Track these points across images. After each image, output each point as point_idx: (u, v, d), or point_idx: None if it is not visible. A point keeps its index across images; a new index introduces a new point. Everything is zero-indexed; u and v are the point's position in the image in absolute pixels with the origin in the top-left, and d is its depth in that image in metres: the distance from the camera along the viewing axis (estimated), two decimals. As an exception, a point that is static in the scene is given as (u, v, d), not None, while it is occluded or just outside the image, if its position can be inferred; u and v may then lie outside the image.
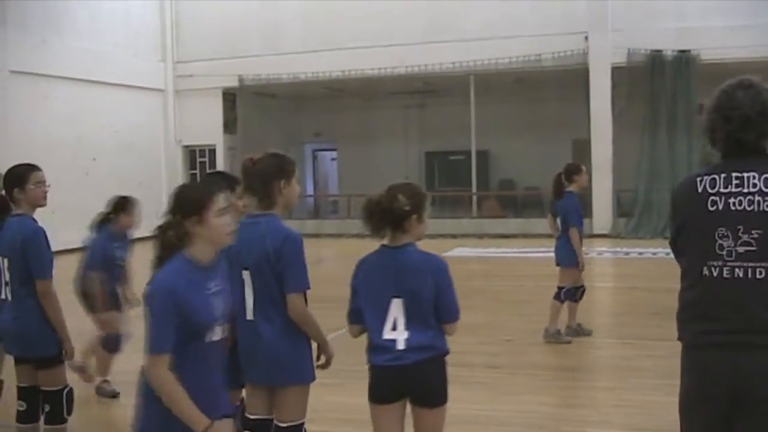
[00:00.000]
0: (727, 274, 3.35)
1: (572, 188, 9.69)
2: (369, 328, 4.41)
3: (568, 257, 9.66)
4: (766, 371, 3.31)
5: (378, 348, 4.35)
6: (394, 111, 27.95)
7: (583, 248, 9.84)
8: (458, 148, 26.16)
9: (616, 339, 10.22)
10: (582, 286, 9.83)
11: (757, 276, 3.31)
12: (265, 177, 4.62)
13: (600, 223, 22.14)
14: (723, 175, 3.39)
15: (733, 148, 3.44)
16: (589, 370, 8.97)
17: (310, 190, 31.24)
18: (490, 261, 18.83)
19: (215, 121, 26.75)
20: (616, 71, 22.70)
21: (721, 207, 3.37)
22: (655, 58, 22.69)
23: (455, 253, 19.80)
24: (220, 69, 25.47)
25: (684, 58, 22.55)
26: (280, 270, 4.50)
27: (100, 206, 8.08)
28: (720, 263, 3.37)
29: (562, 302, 9.72)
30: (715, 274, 3.38)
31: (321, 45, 24.45)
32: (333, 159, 31.81)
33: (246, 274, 4.57)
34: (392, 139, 28.12)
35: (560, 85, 23.43)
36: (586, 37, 22.69)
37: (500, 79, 24.09)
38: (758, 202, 3.31)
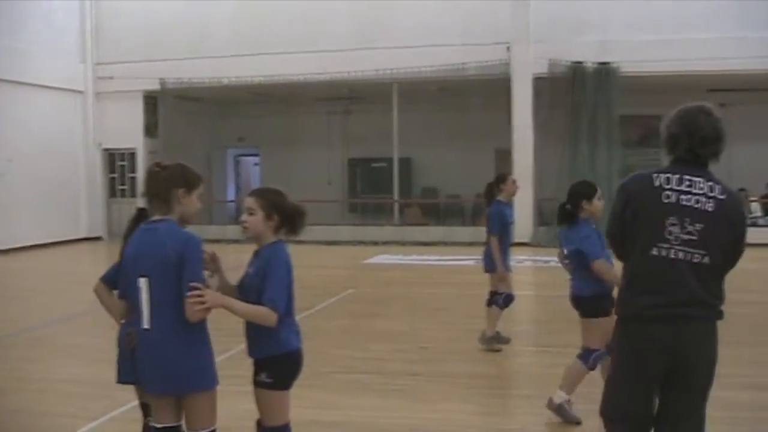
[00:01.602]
0: (673, 255, 4.19)
1: (500, 197, 9.78)
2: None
3: (495, 264, 9.70)
4: (699, 340, 4.22)
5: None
6: (318, 117, 27.84)
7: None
8: (381, 155, 26.18)
9: (536, 347, 10.27)
10: (504, 293, 9.84)
11: (694, 260, 4.18)
12: (168, 183, 4.55)
13: (521, 231, 22.23)
14: (677, 176, 4.25)
15: (689, 158, 4.30)
16: (508, 378, 8.97)
17: (231, 196, 30.98)
18: (412, 268, 18.80)
19: (136, 124, 26.33)
20: (539, 82, 22.93)
21: (673, 200, 4.21)
22: (577, 69, 22.98)
23: (377, 260, 19.80)
24: (142, 71, 25.09)
25: (604, 70, 22.88)
26: (182, 274, 4.39)
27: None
28: (667, 246, 4.20)
29: (501, 307, 9.74)
30: (663, 254, 4.20)
31: (245, 49, 24.22)
32: (256, 164, 31.57)
33: (143, 282, 4.45)
34: (315, 145, 27.99)
35: (483, 94, 23.53)
36: (509, 48, 22.87)
37: (424, 87, 24.15)
38: (703, 202, 4.19)
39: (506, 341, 9.94)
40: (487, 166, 24.22)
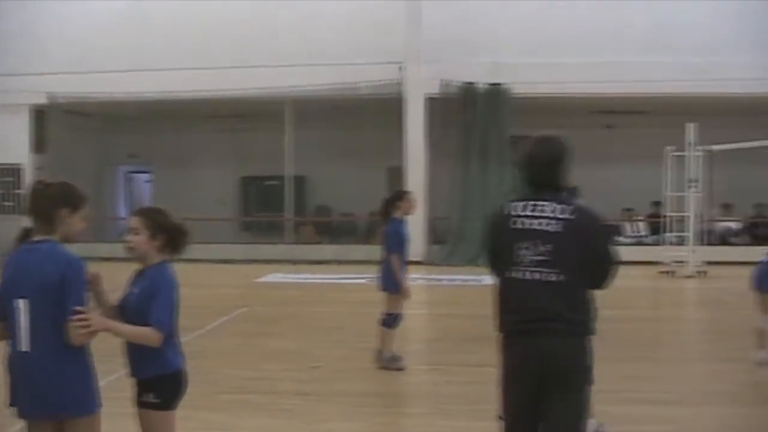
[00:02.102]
0: (528, 276, 4.48)
1: (397, 214, 9.79)
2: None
3: (393, 283, 9.69)
4: (562, 351, 4.45)
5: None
6: (211, 134, 27.51)
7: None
8: (274, 173, 26.03)
9: (427, 365, 10.30)
10: (394, 314, 9.84)
11: (550, 279, 4.44)
12: (52, 202, 4.46)
13: (414, 250, 22.23)
14: (524, 203, 4.59)
15: (536, 184, 4.65)
16: (399, 396, 8.99)
17: (123, 213, 30.43)
18: (305, 287, 18.72)
19: (22, 139, 25.67)
20: (431, 101, 23.17)
21: (522, 226, 4.53)
22: (468, 90, 23.31)
23: (269, 278, 19.68)
24: (29, 85, 24.46)
25: (496, 91, 23.25)
26: (64, 297, 4.30)
27: None
28: (522, 268, 4.50)
29: (390, 328, 9.74)
30: (518, 276, 4.52)
31: (136, 65, 23.84)
32: (147, 181, 31.07)
33: (22, 303, 4.34)
34: (208, 162, 27.66)
35: (376, 113, 23.64)
36: (401, 67, 23.06)
37: (318, 105, 24.13)
38: (551, 224, 4.48)
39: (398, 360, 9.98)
40: (381, 185, 24.32)
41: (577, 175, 18.99)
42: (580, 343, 4.55)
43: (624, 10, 23.29)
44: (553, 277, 4.44)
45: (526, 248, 4.49)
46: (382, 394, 8.86)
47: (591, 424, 6.97)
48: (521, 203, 4.61)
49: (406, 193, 10.20)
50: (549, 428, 4.56)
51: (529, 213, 4.55)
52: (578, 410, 4.56)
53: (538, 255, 4.46)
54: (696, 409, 8.08)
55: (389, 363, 9.68)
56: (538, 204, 4.55)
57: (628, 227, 25.04)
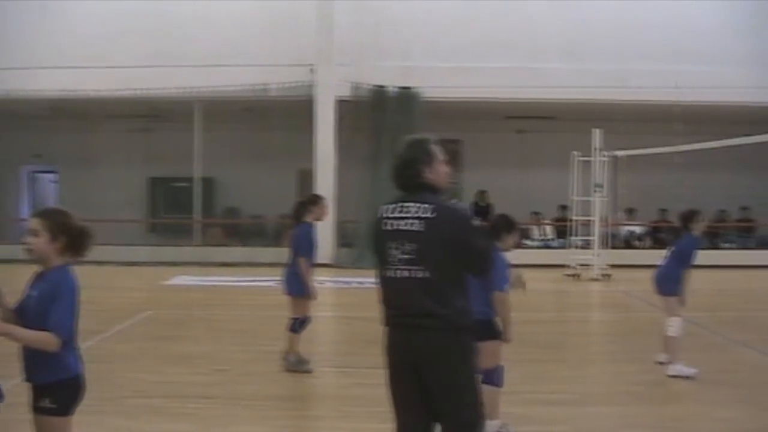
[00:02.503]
0: (399, 274, 4.70)
1: (309, 218, 9.74)
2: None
3: (299, 287, 9.63)
4: (435, 350, 4.62)
5: None
6: (118, 135, 27.00)
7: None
8: (183, 174, 25.72)
9: (333, 368, 10.27)
10: (300, 318, 9.78)
11: (417, 276, 4.65)
12: None
13: (323, 252, 22.22)
14: (396, 205, 4.80)
15: (402, 186, 4.86)
16: (303, 399, 8.94)
17: (25, 214, 29.71)
18: (212, 290, 18.50)
19: None
20: (342, 104, 23.16)
21: (392, 228, 4.75)
22: (379, 93, 23.36)
23: (176, 281, 19.43)
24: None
25: (406, 95, 23.35)
26: None
27: None
28: (393, 267, 4.73)
29: (298, 333, 9.69)
30: (391, 274, 4.74)
31: (42, 62, 23.29)
32: (53, 182, 30.41)
33: None
34: (115, 163, 27.13)
35: (287, 115, 23.53)
36: (312, 70, 23.00)
37: (228, 107, 23.91)
38: (415, 224, 4.68)
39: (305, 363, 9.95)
40: (290, 187, 24.29)
41: (488, 178, 19.48)
42: (454, 337, 4.69)
43: (535, 17, 23.64)
44: (420, 274, 4.64)
45: (396, 248, 4.70)
46: (288, 398, 8.79)
47: (495, 424, 7.08)
48: (391, 206, 4.82)
49: (320, 198, 10.15)
50: (443, 427, 4.74)
51: (396, 215, 4.76)
52: (471, 414, 4.73)
53: (406, 254, 4.67)
54: (597, 409, 8.21)
55: (295, 366, 9.63)
56: (405, 205, 4.76)
57: (536, 231, 25.37)
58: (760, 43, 24.43)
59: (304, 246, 9.63)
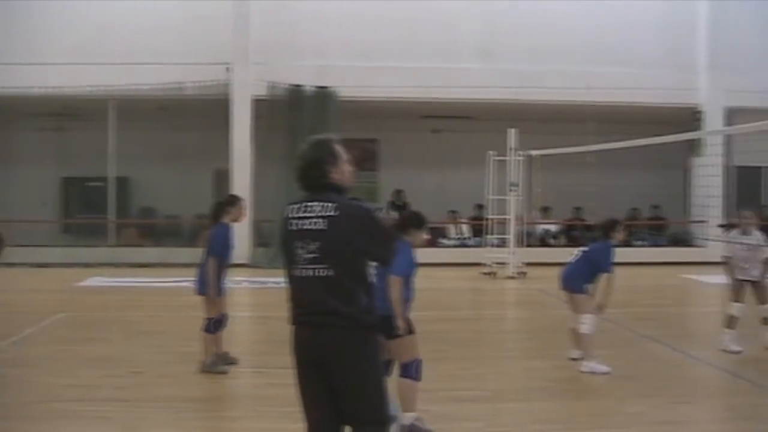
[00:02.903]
0: (303, 273, 4.76)
1: (226, 219, 9.70)
2: None
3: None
4: (339, 347, 4.69)
5: None
6: (31, 133, 26.44)
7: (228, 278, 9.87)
8: (97, 174, 25.29)
9: (248, 368, 10.21)
10: (214, 318, 9.73)
11: (321, 275, 4.71)
12: None
13: (239, 252, 22.07)
14: (298, 205, 4.87)
15: (306, 186, 4.91)
16: (218, 400, 8.90)
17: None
18: (126, 291, 18.22)
19: None
20: (258, 103, 23.01)
21: (297, 227, 4.81)
22: (295, 92, 23.27)
23: (89, 283, 19.13)
24: None
25: (323, 94, 23.30)
26: None
27: None
28: (299, 266, 4.78)
29: (213, 333, 9.64)
30: (297, 274, 4.80)
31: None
32: (-39, 182, 29.72)
33: None
34: (28, 162, 26.55)
35: (203, 114, 23.31)
36: (228, 69, 22.83)
37: (143, 105, 23.59)
38: (318, 223, 4.75)
39: (234, 362, 9.91)
40: (205, 187, 24.09)
41: (404, 178, 19.61)
42: (358, 335, 4.76)
43: (451, 18, 23.79)
44: (324, 273, 4.71)
45: (301, 247, 4.76)
46: (203, 399, 8.74)
47: (410, 416, 7.19)
48: (296, 206, 4.89)
49: (238, 199, 10.12)
50: (350, 426, 4.80)
51: (300, 214, 4.82)
52: (371, 405, 4.79)
53: (310, 253, 4.73)
54: (511, 405, 8.33)
55: (211, 367, 9.58)
56: (309, 205, 4.82)
57: (452, 230, 25.55)
58: (671, 45, 25.01)
59: (217, 247, 9.58)
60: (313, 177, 4.87)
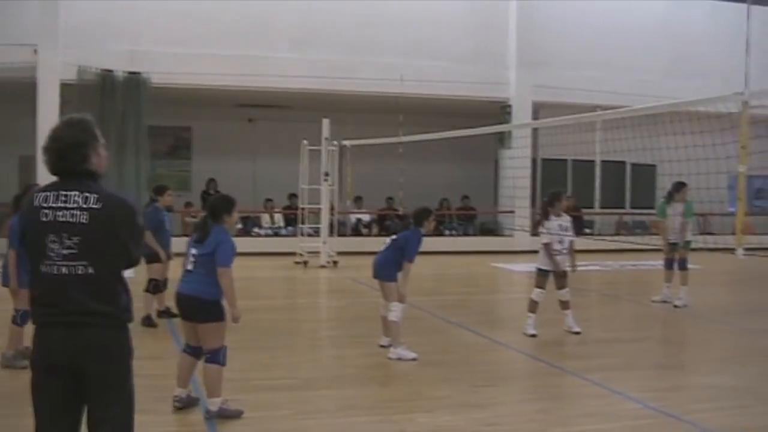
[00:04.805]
0: (57, 271, 4.27)
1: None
2: None
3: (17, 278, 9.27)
4: (97, 347, 4.26)
5: None
6: None
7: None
8: None
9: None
10: (22, 309, 9.42)
11: (78, 273, 4.26)
12: None
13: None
14: (54, 193, 4.33)
15: (60, 172, 4.38)
16: (18, 396, 8.59)
17: None
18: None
19: None
20: (67, 88, 22.20)
21: (50, 218, 4.29)
22: (106, 77, 22.66)
23: None
24: None
25: (135, 80, 22.79)
26: None
27: None
28: (51, 262, 4.27)
29: (20, 326, 9.32)
30: (48, 271, 4.28)
31: None
32: None
33: None
34: None
35: (8, 98, 22.47)
36: (36, 51, 21.97)
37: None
38: (78, 215, 4.27)
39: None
40: (12, 174, 23.20)
41: (218, 166, 19.41)
42: (117, 334, 4.40)
43: (267, 7, 23.68)
44: (82, 270, 4.27)
45: (54, 241, 4.28)
46: (2, 395, 8.45)
47: (217, 401, 7.23)
48: (48, 193, 4.36)
49: (32, 186, 9.80)
50: (97, 429, 4.40)
51: (55, 204, 4.31)
52: (127, 407, 4.45)
53: (67, 248, 4.27)
54: (320, 392, 8.42)
55: (11, 362, 9.28)
56: (66, 194, 4.32)
57: (266, 219, 25.52)
58: (482, 40, 25.77)
59: (15, 238, 9.27)
60: (73, 162, 4.34)
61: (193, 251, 7.40)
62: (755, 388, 8.91)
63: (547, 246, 11.57)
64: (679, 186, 14.94)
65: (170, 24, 22.94)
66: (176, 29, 22.94)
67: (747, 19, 20.33)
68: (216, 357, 7.27)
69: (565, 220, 11.75)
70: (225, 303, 7.27)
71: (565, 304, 11.86)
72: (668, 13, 28.12)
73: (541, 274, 11.70)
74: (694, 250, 15.10)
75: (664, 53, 27.34)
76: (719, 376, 9.55)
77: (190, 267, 7.38)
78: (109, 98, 22.67)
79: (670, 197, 15.10)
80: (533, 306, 11.66)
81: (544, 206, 11.96)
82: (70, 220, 4.27)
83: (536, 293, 11.66)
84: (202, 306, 7.25)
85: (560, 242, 11.61)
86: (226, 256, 7.22)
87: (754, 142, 9.74)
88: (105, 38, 22.59)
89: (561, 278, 11.74)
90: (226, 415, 7.29)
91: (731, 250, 10.08)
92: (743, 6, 20.83)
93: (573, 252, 11.83)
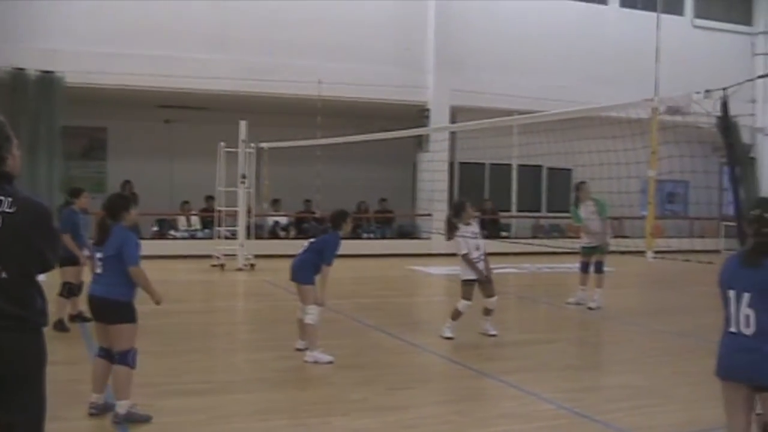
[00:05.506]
0: None
1: None
2: None
3: None
4: (10, 348, 4.11)
5: None
6: None
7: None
8: None
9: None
10: None
11: (2, 276, 4.09)
12: None
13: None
14: None
15: None
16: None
17: None
18: None
19: None
20: (-23, 86, 21.74)
21: None
22: (18, 76, 22.17)
23: None
24: None
25: (48, 79, 22.34)
26: None
27: None
28: None
29: None
30: None
31: None
32: None
33: None
34: None
35: None
36: (-57, 48, 21.42)
37: None
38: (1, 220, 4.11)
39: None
40: None
41: (133, 168, 19.16)
42: (32, 338, 4.29)
43: (185, 7, 23.44)
44: (3, 275, 4.15)
45: None
46: None
47: (125, 404, 7.15)
48: None
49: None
50: None
51: None
52: (39, 411, 4.35)
53: None
54: (236, 396, 8.33)
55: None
56: None
57: (182, 221, 25.25)
58: (399, 43, 25.88)
59: None
60: None
61: (98, 254, 7.33)
62: (666, 388, 9.08)
63: (465, 256, 11.58)
64: (579, 185, 15.32)
65: (86, 23, 22.55)
66: (92, 28, 22.55)
67: (657, 28, 20.79)
68: (125, 358, 7.21)
69: (475, 226, 11.76)
70: (136, 304, 7.24)
71: (489, 312, 11.90)
72: (584, 19, 28.60)
73: (467, 284, 11.59)
74: (609, 253, 15.34)
75: (579, 59, 27.81)
76: (631, 376, 9.74)
77: (98, 270, 7.31)
78: (21, 97, 22.19)
79: (577, 200, 15.38)
80: (457, 315, 11.63)
81: (449, 220, 11.77)
82: None
83: (463, 305, 11.56)
84: (112, 307, 7.21)
85: (477, 248, 11.64)
86: (133, 255, 7.19)
87: (663, 147, 9.96)
88: (17, 36, 22.10)
89: (488, 286, 11.74)
90: (133, 419, 7.21)
91: (642, 253, 10.27)
92: (654, 14, 21.29)
93: (486, 256, 11.87)
